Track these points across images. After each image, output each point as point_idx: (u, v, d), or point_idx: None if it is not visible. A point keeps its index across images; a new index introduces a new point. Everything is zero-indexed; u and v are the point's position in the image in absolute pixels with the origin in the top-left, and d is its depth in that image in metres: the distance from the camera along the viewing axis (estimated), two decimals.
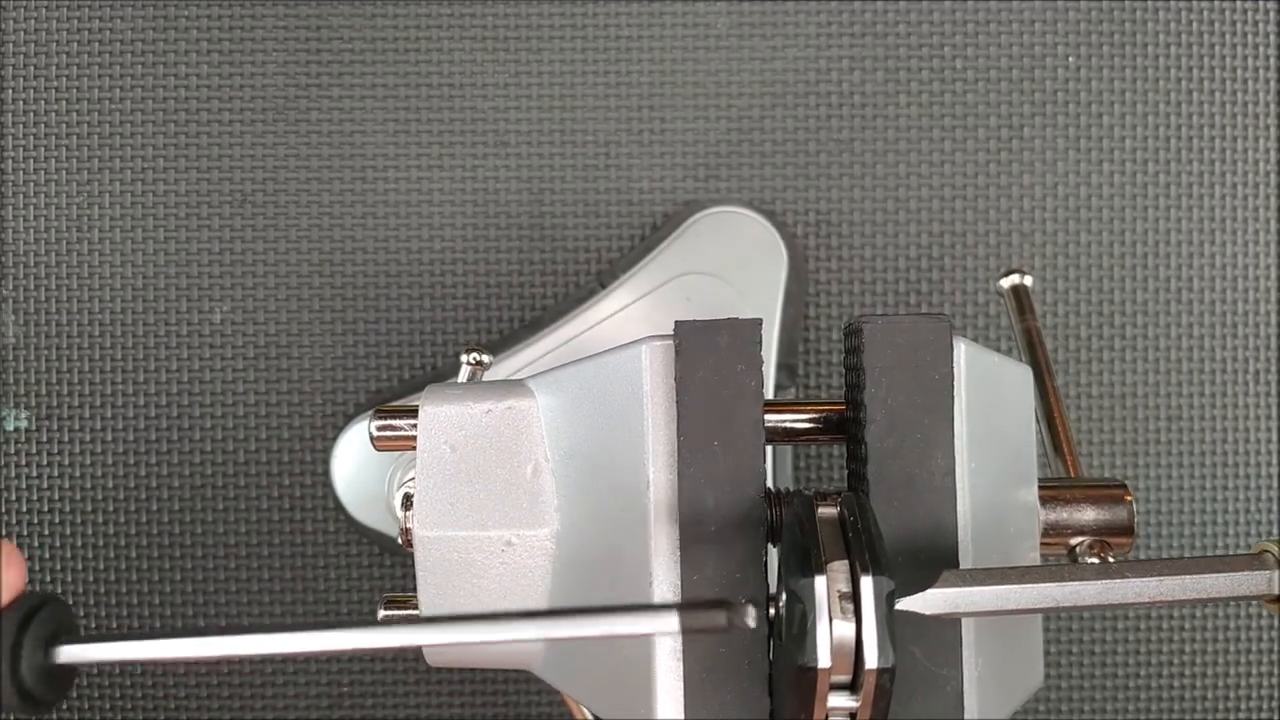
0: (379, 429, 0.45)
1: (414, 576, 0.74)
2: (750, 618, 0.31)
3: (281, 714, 0.74)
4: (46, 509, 0.74)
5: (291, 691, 0.74)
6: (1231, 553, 0.75)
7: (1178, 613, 0.75)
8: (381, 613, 0.47)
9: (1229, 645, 0.75)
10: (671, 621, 0.31)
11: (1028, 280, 0.60)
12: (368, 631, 0.32)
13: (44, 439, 0.74)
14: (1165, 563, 0.31)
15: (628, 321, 0.69)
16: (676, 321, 0.38)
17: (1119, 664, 0.75)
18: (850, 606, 0.30)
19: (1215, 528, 0.75)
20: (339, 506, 0.70)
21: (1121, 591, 0.31)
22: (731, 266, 0.70)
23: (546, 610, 0.32)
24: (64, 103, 0.74)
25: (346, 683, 0.74)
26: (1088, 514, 0.43)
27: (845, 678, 0.30)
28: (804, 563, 0.31)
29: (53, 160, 0.74)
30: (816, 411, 0.43)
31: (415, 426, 0.43)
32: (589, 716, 0.70)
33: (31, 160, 0.74)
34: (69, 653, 0.33)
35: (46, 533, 0.74)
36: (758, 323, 0.38)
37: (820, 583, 0.30)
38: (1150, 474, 0.75)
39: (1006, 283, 0.60)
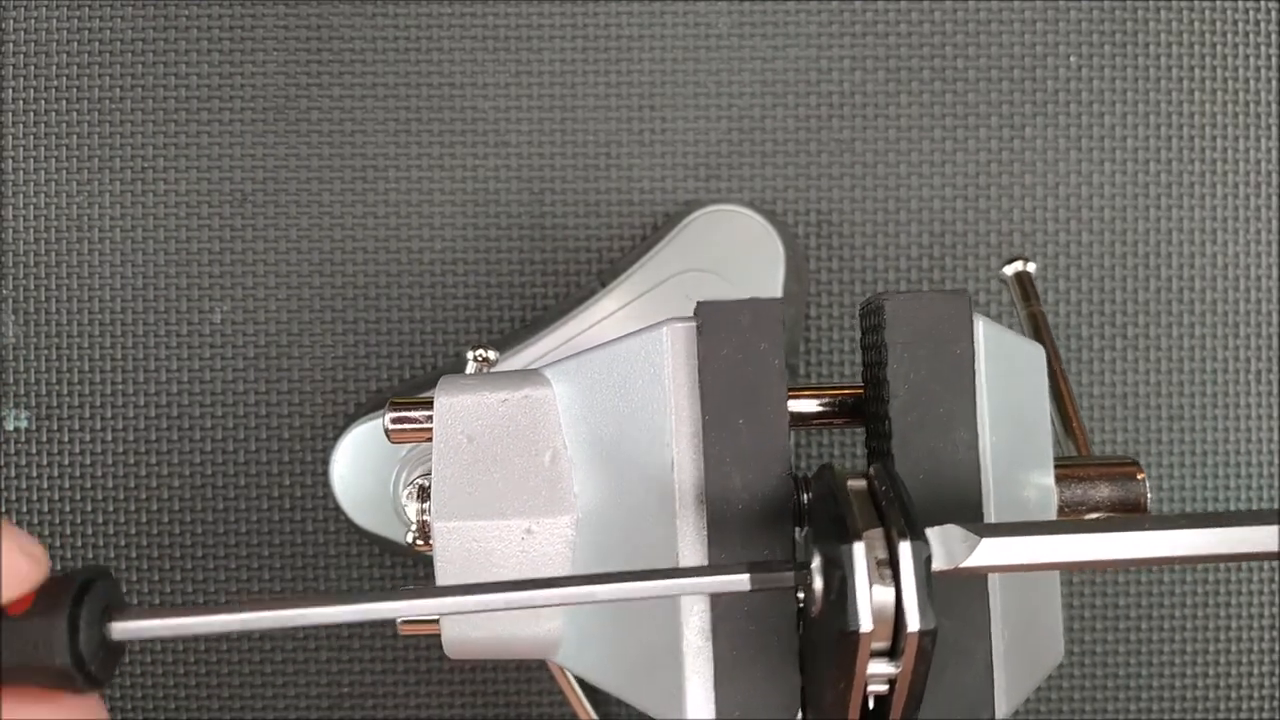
0: (394, 420, 0.44)
1: (414, 578, 0.74)
2: (818, 576, 0.31)
3: (282, 714, 0.73)
4: (46, 509, 0.73)
5: (292, 692, 0.73)
6: None
7: (1179, 612, 0.75)
8: None
9: (1229, 645, 0.75)
10: (743, 581, 0.31)
11: (1030, 267, 0.60)
12: (422, 598, 0.32)
13: (44, 439, 0.74)
14: (1219, 516, 0.30)
15: (627, 320, 0.69)
16: (698, 302, 0.38)
17: (1119, 664, 0.75)
18: (888, 573, 0.30)
19: None
20: (339, 509, 0.70)
21: (1175, 544, 0.30)
22: (728, 263, 0.70)
23: (617, 573, 0.32)
24: (64, 102, 0.74)
25: (347, 683, 0.73)
26: (1102, 490, 0.43)
27: (885, 644, 0.30)
28: (840, 529, 0.31)
29: (52, 160, 0.74)
30: (831, 395, 0.43)
31: (430, 418, 0.43)
32: (594, 716, 0.70)
33: (31, 160, 0.74)
34: (123, 628, 0.32)
35: (46, 533, 0.73)
36: (779, 302, 0.38)
37: (859, 547, 0.30)
38: (1151, 474, 0.75)
39: (1010, 270, 0.60)
